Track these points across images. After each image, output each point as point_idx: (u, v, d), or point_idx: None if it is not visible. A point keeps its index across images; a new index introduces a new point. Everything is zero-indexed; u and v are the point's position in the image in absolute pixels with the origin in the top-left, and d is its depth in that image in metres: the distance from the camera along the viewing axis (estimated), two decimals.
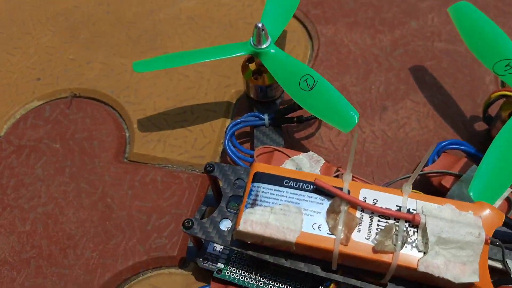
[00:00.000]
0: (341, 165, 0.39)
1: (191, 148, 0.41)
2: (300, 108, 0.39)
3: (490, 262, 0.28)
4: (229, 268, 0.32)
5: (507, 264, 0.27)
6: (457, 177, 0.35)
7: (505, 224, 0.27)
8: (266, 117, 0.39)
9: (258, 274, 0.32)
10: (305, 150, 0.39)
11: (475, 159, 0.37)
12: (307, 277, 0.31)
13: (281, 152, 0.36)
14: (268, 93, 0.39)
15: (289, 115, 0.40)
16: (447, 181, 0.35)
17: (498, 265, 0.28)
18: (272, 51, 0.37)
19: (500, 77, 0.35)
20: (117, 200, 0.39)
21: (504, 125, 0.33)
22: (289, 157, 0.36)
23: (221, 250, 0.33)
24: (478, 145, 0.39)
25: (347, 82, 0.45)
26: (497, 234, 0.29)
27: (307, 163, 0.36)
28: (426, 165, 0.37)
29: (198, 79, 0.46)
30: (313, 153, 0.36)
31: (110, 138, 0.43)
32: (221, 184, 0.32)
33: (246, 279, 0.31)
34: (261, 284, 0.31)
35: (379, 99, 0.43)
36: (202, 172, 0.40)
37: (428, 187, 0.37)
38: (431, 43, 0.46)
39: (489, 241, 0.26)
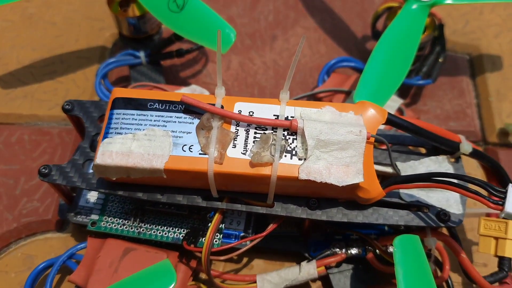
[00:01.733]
0: None
1: (62, 101, 0.36)
2: (178, 38, 0.35)
3: (379, 168, 0.26)
4: (105, 219, 0.28)
5: (394, 163, 0.26)
6: (347, 94, 0.33)
7: (389, 121, 0.25)
8: (142, 54, 0.35)
9: (139, 220, 0.28)
10: None
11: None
12: (191, 213, 0.28)
13: (160, 88, 0.33)
14: (141, 26, 0.35)
15: (168, 49, 0.36)
16: (338, 100, 0.33)
17: (389, 169, 0.26)
18: None
19: None
20: None
21: (387, 27, 0.31)
22: None
23: (95, 201, 0.29)
24: None
25: (233, 13, 0.41)
26: (384, 138, 0.27)
27: None
28: (316, 86, 0.35)
29: (67, 25, 0.40)
30: (196, 86, 0.33)
31: None
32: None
33: (126, 227, 0.28)
34: (143, 230, 0.28)
35: (269, 29, 0.41)
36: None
37: None
38: None
39: (372, 139, 0.24)
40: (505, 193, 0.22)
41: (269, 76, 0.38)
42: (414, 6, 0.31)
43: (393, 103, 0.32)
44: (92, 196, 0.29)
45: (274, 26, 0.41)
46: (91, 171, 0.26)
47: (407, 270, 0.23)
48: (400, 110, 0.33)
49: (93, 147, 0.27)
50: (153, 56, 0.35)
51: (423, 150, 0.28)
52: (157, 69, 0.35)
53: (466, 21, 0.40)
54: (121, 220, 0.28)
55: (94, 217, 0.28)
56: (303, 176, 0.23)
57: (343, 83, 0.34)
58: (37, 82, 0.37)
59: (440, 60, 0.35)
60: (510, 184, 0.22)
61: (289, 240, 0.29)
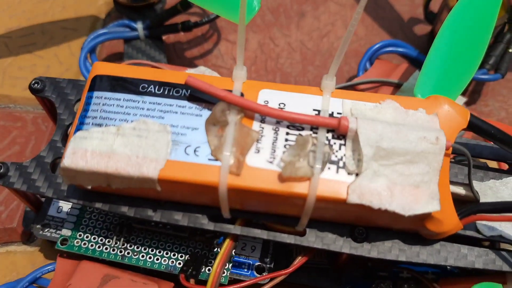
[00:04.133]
0: None
1: None
2: (185, 9, 0.28)
3: (451, 187, 0.20)
4: (79, 235, 0.21)
5: (472, 186, 0.19)
6: (397, 86, 0.26)
7: (471, 125, 0.18)
8: (139, 25, 0.28)
9: (123, 240, 0.21)
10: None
11: (418, 63, 0.28)
12: (193, 234, 0.21)
13: (159, 68, 0.26)
14: None
15: (172, 21, 0.29)
16: (384, 93, 0.26)
17: (462, 191, 0.20)
18: None
19: None
20: None
21: (452, 9, 0.24)
22: None
23: (68, 211, 0.22)
24: (420, 49, 0.30)
25: None
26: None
27: None
28: (355, 76, 0.28)
29: None
30: (205, 68, 0.26)
31: None
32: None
33: (106, 248, 0.21)
34: (128, 253, 0.21)
35: (296, 3, 0.34)
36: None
37: None
38: None
39: (451, 149, 0.17)
40: None
41: (295, 60, 0.31)
42: None
43: (457, 102, 0.26)
44: (65, 204, 0.22)
45: (303, 0, 0.34)
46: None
47: None
48: None
49: (66, 140, 0.20)
50: (153, 29, 0.28)
51: (504, 166, 0.21)
52: (158, 45, 0.29)
53: None
54: (100, 239, 0.21)
55: (66, 232, 0.21)
56: (353, 198, 0.16)
57: (391, 73, 0.27)
58: (12, 55, 0.31)
59: (510, 50, 0.28)
60: None
61: (318, 274, 0.23)
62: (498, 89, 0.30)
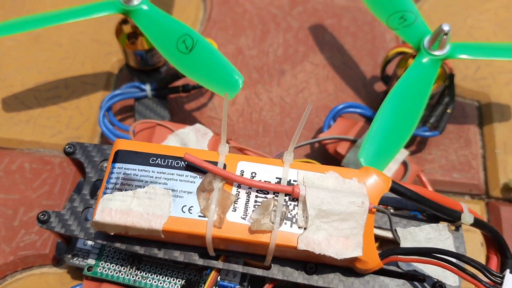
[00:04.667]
0: (232, 137, 0.36)
1: (65, 129, 0.36)
2: (183, 75, 0.35)
3: (379, 232, 0.26)
4: (101, 264, 0.28)
5: (395, 232, 0.25)
6: (353, 142, 0.33)
7: (392, 189, 0.24)
8: (148, 87, 0.35)
9: (135, 268, 0.28)
10: (196, 123, 0.36)
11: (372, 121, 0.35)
12: (188, 264, 0.28)
13: (164, 126, 0.32)
14: (148, 59, 0.35)
15: (174, 84, 0.36)
16: (342, 148, 0.33)
17: (389, 234, 0.26)
18: (145, 7, 0.32)
19: (394, 31, 0.33)
20: None
21: (395, 84, 0.31)
22: (173, 131, 0.32)
23: (92, 244, 0.29)
24: (378, 107, 0.37)
25: (242, 44, 0.41)
26: (387, 201, 0.27)
27: (193, 137, 0.32)
28: (321, 131, 0.35)
29: (73, 48, 0.40)
30: (200, 125, 0.33)
31: None
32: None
33: (122, 274, 0.28)
34: (138, 278, 0.27)
35: (277, 63, 0.40)
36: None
37: (325, 155, 0.35)
38: (330, 0, 0.44)
39: (374, 210, 0.24)
40: (502, 278, 0.21)
41: (275, 113, 0.38)
42: (425, 60, 0.31)
43: (399, 156, 0.32)
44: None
45: (283, 60, 0.40)
46: (90, 219, 0.26)
47: None
48: (405, 163, 0.32)
49: (93, 193, 0.27)
50: (159, 90, 0.35)
51: (423, 216, 0.28)
52: (163, 103, 0.35)
53: (478, 66, 0.40)
54: (117, 267, 0.28)
55: (91, 261, 0.28)
56: (301, 246, 0.22)
57: (350, 129, 0.33)
58: (41, 107, 0.37)
59: (448, 111, 0.34)
60: (508, 270, 0.22)
61: None
62: (440, 140, 0.37)
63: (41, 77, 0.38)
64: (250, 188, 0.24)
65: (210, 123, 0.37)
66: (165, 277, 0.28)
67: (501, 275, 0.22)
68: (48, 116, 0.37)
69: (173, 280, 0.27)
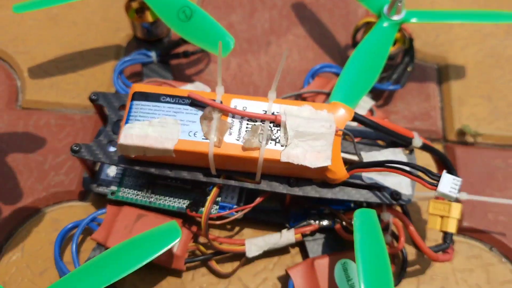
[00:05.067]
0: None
1: (83, 92, 0.42)
2: (185, 42, 0.41)
3: (347, 156, 0.32)
4: (122, 189, 0.34)
5: (358, 152, 0.32)
6: (328, 95, 0.39)
7: (355, 118, 0.31)
8: (153, 54, 0.41)
9: (150, 191, 0.34)
10: None
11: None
12: (194, 188, 0.34)
13: (168, 84, 0.39)
14: (153, 30, 0.41)
15: (176, 51, 0.42)
16: (320, 99, 0.39)
17: (354, 157, 0.32)
18: None
19: (359, 1, 0.40)
20: (11, 144, 0.39)
21: (360, 42, 0.37)
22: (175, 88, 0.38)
23: (114, 176, 0.35)
24: None
25: (234, 20, 0.47)
26: (354, 133, 0.33)
27: None
28: (302, 87, 0.41)
29: (87, 25, 0.46)
30: (199, 83, 0.39)
31: (0, 88, 0.42)
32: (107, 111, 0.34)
33: (139, 197, 0.34)
34: (153, 200, 0.34)
35: (264, 35, 0.46)
36: (96, 113, 0.41)
37: None
38: None
39: (340, 132, 0.30)
40: (439, 177, 0.28)
41: (263, 76, 0.44)
42: (386, 24, 0.37)
43: (366, 104, 0.38)
44: (112, 171, 0.35)
45: (269, 33, 0.47)
46: (112, 149, 0.32)
47: (363, 235, 0.29)
48: (371, 111, 0.39)
49: (115, 130, 0.33)
50: (163, 56, 0.41)
51: (383, 143, 0.34)
52: (166, 67, 0.41)
53: (437, 34, 0.46)
54: (135, 191, 0.34)
55: (113, 188, 0.34)
56: (283, 159, 0.29)
57: (325, 85, 0.40)
58: (62, 74, 0.43)
59: (408, 69, 0.41)
60: (444, 171, 0.28)
61: (273, 213, 0.35)
62: (404, 95, 0.43)
63: (61, 50, 0.45)
64: (242, 117, 0.30)
65: (207, 85, 0.43)
66: (175, 198, 0.34)
67: (439, 175, 0.28)
68: (69, 82, 0.43)
69: (182, 200, 0.34)
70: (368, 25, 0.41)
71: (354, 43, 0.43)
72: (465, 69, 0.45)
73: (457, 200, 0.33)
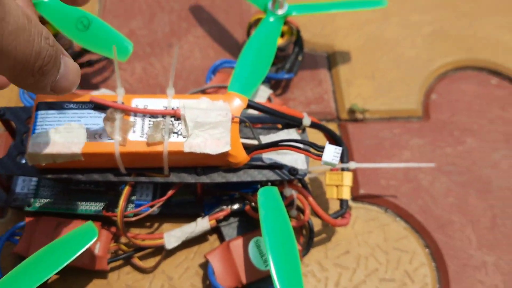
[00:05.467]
0: None
1: None
2: (86, 51, 0.42)
3: (247, 141, 0.36)
4: (39, 200, 0.35)
5: (257, 136, 0.35)
6: None
7: (249, 105, 0.34)
8: None
9: (66, 199, 0.35)
10: None
11: None
12: (108, 190, 0.36)
13: (74, 93, 0.40)
14: None
15: (79, 61, 0.43)
16: (223, 93, 0.42)
17: (254, 142, 0.36)
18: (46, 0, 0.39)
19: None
20: None
21: (250, 36, 0.41)
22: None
23: (29, 188, 0.36)
24: None
25: (134, 27, 0.49)
26: (251, 119, 0.36)
27: None
28: (205, 84, 0.44)
29: None
30: (105, 89, 0.40)
31: None
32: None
33: (56, 205, 0.35)
34: (70, 206, 0.35)
35: (165, 38, 0.49)
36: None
37: None
38: None
39: (236, 119, 0.33)
40: (323, 148, 0.32)
41: (168, 77, 0.46)
42: (271, 19, 0.41)
43: (264, 93, 0.42)
44: (26, 185, 0.36)
45: (170, 36, 0.49)
46: (24, 161, 0.33)
47: (267, 210, 0.32)
48: (269, 99, 0.42)
49: (24, 142, 0.33)
50: None
51: (280, 127, 0.38)
52: None
53: (322, 26, 0.51)
54: (52, 200, 0.35)
55: (30, 200, 0.35)
56: (186, 149, 0.31)
57: (226, 80, 0.43)
58: None
59: (299, 58, 0.45)
60: (327, 142, 0.32)
61: (188, 205, 0.38)
62: (299, 83, 0.47)
63: None
64: (143, 115, 0.32)
65: (113, 91, 0.44)
66: (91, 202, 0.35)
67: (323, 147, 0.32)
68: None
69: (98, 203, 0.35)
70: (259, 21, 0.45)
71: None
72: (350, 54, 0.50)
73: (348, 170, 0.38)
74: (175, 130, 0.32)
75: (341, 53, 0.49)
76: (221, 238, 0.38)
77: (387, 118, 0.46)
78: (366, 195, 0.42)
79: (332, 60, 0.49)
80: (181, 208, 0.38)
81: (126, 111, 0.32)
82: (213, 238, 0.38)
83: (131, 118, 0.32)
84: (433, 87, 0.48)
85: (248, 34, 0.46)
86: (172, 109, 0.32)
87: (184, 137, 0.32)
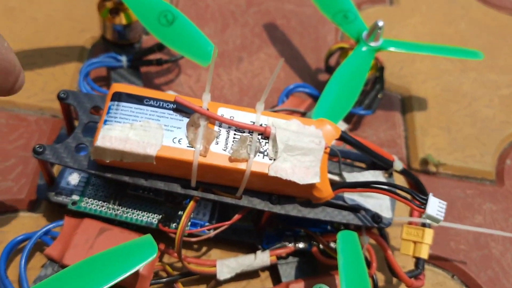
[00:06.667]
0: None
1: (40, 91, 0.39)
2: (160, 49, 0.39)
3: (330, 175, 0.32)
4: (85, 200, 0.31)
5: (341, 174, 0.31)
6: (303, 114, 0.39)
7: (341, 137, 0.30)
8: (124, 58, 0.39)
9: (117, 203, 0.31)
10: None
11: (317, 100, 0.41)
12: (166, 201, 0.31)
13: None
14: (126, 34, 0.39)
15: (149, 57, 0.40)
16: None
17: (337, 178, 0.32)
18: None
19: (338, 26, 0.40)
20: None
21: (340, 66, 0.37)
22: None
23: (76, 184, 0.32)
24: (320, 91, 0.43)
25: (206, 33, 0.45)
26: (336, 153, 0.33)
27: None
28: (276, 105, 0.41)
29: (48, 23, 0.43)
30: (172, 91, 0.37)
31: None
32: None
33: (104, 209, 0.31)
34: (119, 212, 0.31)
35: (236, 51, 0.46)
36: (54, 116, 0.38)
37: None
38: (281, 4, 0.50)
39: (328, 149, 0.29)
40: (427, 199, 0.28)
41: (234, 91, 0.43)
42: (364, 49, 0.38)
43: (341, 127, 0.38)
44: (73, 179, 0.32)
45: (241, 49, 0.46)
46: (82, 154, 0.29)
47: (347, 257, 0.28)
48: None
49: (85, 133, 0.30)
50: (134, 61, 0.39)
51: (364, 165, 0.34)
52: (136, 74, 0.39)
53: (401, 67, 0.48)
54: (100, 202, 0.31)
55: (75, 197, 0.31)
56: (272, 173, 0.27)
57: (300, 105, 0.39)
58: None
59: (379, 96, 0.42)
60: (431, 193, 0.28)
61: (246, 234, 0.34)
62: (372, 122, 0.44)
63: (16, 46, 0.41)
64: (229, 127, 0.28)
65: None
66: (144, 212, 0.31)
67: (426, 197, 0.28)
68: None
69: (152, 214, 0.31)
70: (341, 50, 0.42)
71: (327, 67, 0.44)
72: (426, 101, 0.46)
73: (429, 226, 0.34)
74: (262, 149, 0.28)
75: (417, 98, 0.46)
76: (276, 277, 0.34)
77: (459, 176, 0.42)
78: (434, 256, 0.37)
79: (407, 104, 0.46)
80: (237, 235, 0.34)
81: (212, 119, 0.28)
82: (265, 275, 0.34)
83: (216, 128, 0.28)
84: (508, 152, 0.45)
85: (327, 61, 0.43)
86: (261, 125, 0.29)
87: (270, 159, 0.28)
